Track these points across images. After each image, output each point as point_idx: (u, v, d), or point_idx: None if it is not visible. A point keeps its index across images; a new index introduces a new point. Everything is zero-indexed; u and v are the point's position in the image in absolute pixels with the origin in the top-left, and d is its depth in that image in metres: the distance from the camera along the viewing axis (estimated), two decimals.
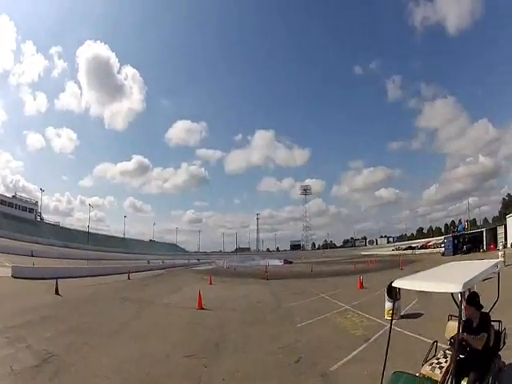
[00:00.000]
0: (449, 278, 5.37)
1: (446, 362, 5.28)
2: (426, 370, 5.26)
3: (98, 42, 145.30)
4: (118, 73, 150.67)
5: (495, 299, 6.60)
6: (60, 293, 20.65)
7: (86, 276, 33.45)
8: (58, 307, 16.80)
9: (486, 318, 5.74)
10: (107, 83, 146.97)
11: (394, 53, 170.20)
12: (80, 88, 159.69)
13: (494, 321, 6.05)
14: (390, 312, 12.51)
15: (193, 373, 8.08)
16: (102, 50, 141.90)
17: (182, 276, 42.82)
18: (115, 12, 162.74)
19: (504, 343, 6.06)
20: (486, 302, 5.98)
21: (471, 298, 5.68)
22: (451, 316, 6.55)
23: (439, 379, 4.92)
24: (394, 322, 11.65)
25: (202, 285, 27.70)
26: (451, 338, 5.72)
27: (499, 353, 5.90)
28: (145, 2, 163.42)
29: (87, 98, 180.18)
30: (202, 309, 16.49)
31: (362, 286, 21.94)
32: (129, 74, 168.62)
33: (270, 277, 34.46)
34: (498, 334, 5.97)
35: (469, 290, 5.65)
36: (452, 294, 5.69)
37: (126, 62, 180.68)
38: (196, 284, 28.88)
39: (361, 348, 9.46)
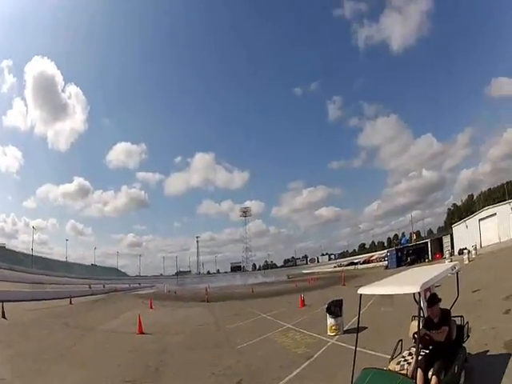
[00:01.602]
0: (408, 281, 6.02)
1: (411, 358, 5.64)
2: (393, 366, 5.66)
3: (45, 58, 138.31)
4: (63, 91, 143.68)
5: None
6: (6, 317, 20.72)
7: (30, 300, 33.42)
8: (6, 331, 17.09)
9: (446, 314, 6.18)
10: (52, 101, 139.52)
11: (336, 73, 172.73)
12: (26, 105, 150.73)
13: (456, 316, 6.60)
14: (333, 327, 12.51)
15: None
16: (49, 66, 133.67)
17: (122, 301, 41.44)
18: (63, 26, 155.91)
19: (468, 336, 6.60)
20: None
21: (431, 299, 6.15)
22: (414, 317, 6.87)
23: (408, 373, 5.18)
24: (337, 337, 11.78)
25: (142, 309, 27.14)
26: (414, 334, 5.92)
27: (464, 345, 6.41)
28: (91, 19, 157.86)
29: (32, 116, 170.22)
30: (143, 333, 16.20)
31: (303, 304, 21.77)
32: (72, 93, 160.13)
33: (210, 299, 33.75)
34: (461, 327, 6.49)
35: (429, 291, 6.38)
36: (413, 295, 6.09)
37: (71, 80, 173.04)
38: (137, 309, 27.76)
39: (303, 366, 9.20)
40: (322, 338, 12.32)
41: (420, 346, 5.35)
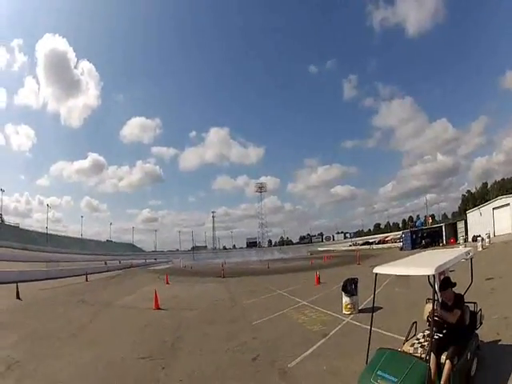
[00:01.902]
0: (423, 263, 6.00)
1: (425, 341, 5.62)
2: (407, 348, 5.61)
3: (57, 35, 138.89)
4: (75, 68, 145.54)
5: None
6: (21, 297, 20.60)
7: (45, 279, 33.48)
8: (20, 312, 16.85)
9: (459, 299, 6.11)
10: (64, 78, 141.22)
11: (351, 52, 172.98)
12: (38, 83, 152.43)
13: (469, 302, 6.51)
14: (348, 306, 12.50)
15: (150, 375, 7.84)
16: (60, 43, 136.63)
17: (138, 276, 42.17)
18: (74, 4, 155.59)
19: (481, 323, 6.56)
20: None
21: (444, 283, 6.04)
22: (428, 299, 6.71)
23: (422, 356, 5.14)
24: (352, 316, 11.79)
25: (158, 285, 27.56)
26: (428, 317, 5.96)
27: (476, 332, 6.37)
28: None
29: (45, 94, 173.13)
30: (159, 309, 16.30)
31: (318, 282, 21.89)
32: (85, 69, 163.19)
33: (226, 274, 34.17)
34: (474, 314, 6.43)
35: (443, 274, 6.17)
36: (428, 277, 6.06)
37: (83, 57, 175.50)
38: (153, 284, 28.36)
39: (319, 344, 9.23)
40: (337, 316, 12.35)
41: (434, 329, 5.37)
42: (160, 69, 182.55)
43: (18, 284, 22.27)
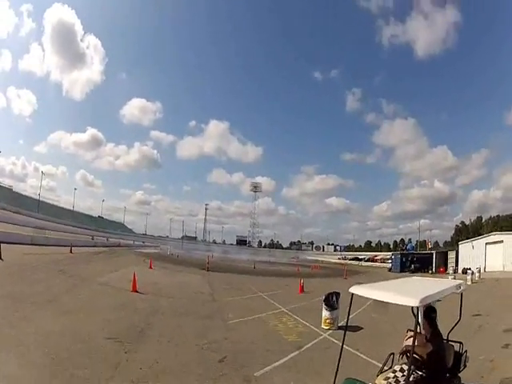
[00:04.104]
0: (407, 291, 5.08)
1: (402, 376, 5.02)
2: (380, 381, 5.02)
3: (66, 6, 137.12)
4: (81, 40, 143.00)
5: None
6: (2, 257, 20.92)
7: (30, 244, 33.89)
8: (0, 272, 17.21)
9: (436, 334, 5.45)
10: (69, 49, 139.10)
11: (357, 65, 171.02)
12: (43, 51, 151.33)
13: (454, 341, 5.90)
14: (328, 321, 12.08)
15: (112, 356, 7.64)
16: (69, 14, 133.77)
17: (123, 256, 42.07)
18: None
19: (465, 365, 5.79)
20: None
21: (426, 312, 5.45)
22: (409, 330, 6.00)
23: None
24: (330, 332, 11.38)
25: (141, 268, 27.36)
26: (405, 351, 5.24)
27: (459, 375, 5.67)
28: None
29: (49, 62, 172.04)
30: (137, 292, 16.09)
31: (302, 290, 21.54)
32: (91, 43, 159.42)
33: (211, 268, 33.71)
34: (459, 355, 5.74)
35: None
36: (412, 307, 5.36)
37: (90, 31, 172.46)
38: (136, 266, 27.62)
39: (291, 355, 8.80)
40: (315, 329, 11.92)
41: (412, 367, 4.71)
42: (167, 54, 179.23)
43: (4, 245, 22.16)
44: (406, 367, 5.11)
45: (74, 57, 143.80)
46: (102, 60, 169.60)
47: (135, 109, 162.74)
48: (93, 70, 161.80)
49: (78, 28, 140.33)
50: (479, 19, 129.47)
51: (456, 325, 6.25)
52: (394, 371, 5.17)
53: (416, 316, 4.93)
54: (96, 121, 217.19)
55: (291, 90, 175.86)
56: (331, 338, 10.72)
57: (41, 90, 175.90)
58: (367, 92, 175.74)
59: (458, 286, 5.72)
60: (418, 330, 5.42)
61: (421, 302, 4.11)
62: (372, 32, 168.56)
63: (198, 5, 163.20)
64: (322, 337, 10.98)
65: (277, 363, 8.11)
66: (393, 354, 5.50)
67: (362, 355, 8.83)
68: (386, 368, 5.38)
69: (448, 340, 5.85)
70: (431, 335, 5.38)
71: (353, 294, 4.94)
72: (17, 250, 26.03)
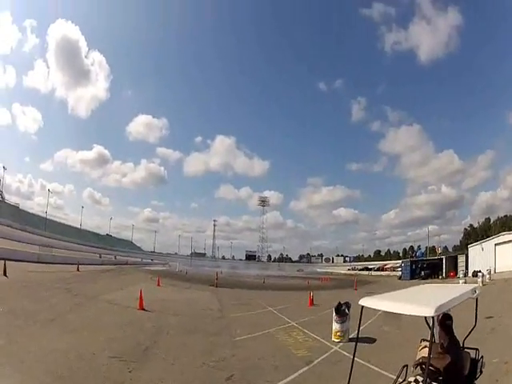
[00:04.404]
0: (420, 300, 4.73)
1: None
2: None
3: (70, 22, 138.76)
4: (86, 57, 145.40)
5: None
6: (7, 275, 20.69)
7: (36, 262, 33.70)
8: (2, 288, 17.02)
9: (453, 342, 5.21)
10: (74, 66, 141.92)
11: (361, 74, 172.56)
12: (48, 67, 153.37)
13: (471, 348, 5.50)
14: (338, 333, 11.75)
15: (115, 375, 7.45)
16: (73, 30, 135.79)
17: (131, 274, 41.85)
18: None
19: (481, 372, 5.42)
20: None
21: (442, 320, 5.16)
22: (423, 340, 5.74)
23: None
24: (341, 345, 11.04)
25: (149, 285, 27.38)
26: (420, 363, 4.98)
27: (475, 382, 5.30)
28: None
29: (54, 79, 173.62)
30: (143, 310, 15.85)
31: (312, 303, 21.18)
32: (96, 60, 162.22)
33: (219, 284, 33.35)
34: (475, 362, 5.36)
35: None
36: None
37: (95, 47, 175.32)
38: (143, 284, 27.79)
39: (301, 371, 8.48)
40: (325, 342, 11.60)
41: (428, 380, 4.43)
42: (172, 69, 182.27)
43: (9, 262, 22.14)
44: (420, 378, 4.82)
45: (78, 73, 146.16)
46: (107, 77, 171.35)
47: (141, 125, 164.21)
48: (98, 87, 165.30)
49: (83, 44, 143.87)
50: (481, 21, 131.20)
51: (472, 330, 5.95)
52: (409, 383, 4.89)
53: (432, 327, 4.41)
54: (102, 138, 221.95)
55: (296, 101, 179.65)
56: (342, 351, 10.38)
57: (46, 107, 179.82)
58: (371, 100, 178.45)
59: (474, 291, 5.43)
60: (434, 341, 5.12)
61: (436, 311, 3.82)
62: (374, 39, 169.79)
63: (202, 19, 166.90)
64: (332, 350, 10.63)
65: (286, 380, 7.82)
66: (406, 365, 5.13)
67: (373, 367, 8.52)
68: (400, 380, 5.03)
69: (464, 347, 5.54)
70: (448, 344, 5.11)
71: (362, 306, 4.66)
72: (22, 268, 25.95)
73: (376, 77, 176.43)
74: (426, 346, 5.41)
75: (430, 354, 4.14)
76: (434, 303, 3.95)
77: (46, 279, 23.30)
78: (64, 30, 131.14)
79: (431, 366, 4.59)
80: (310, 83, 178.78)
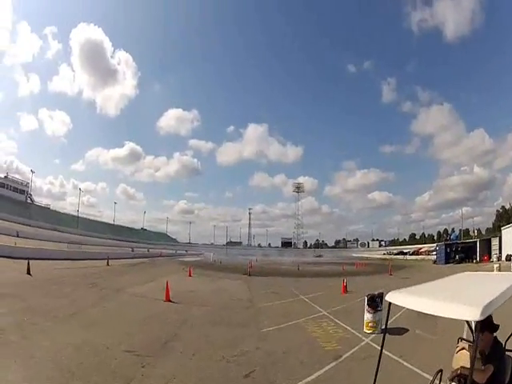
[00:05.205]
0: (461, 297, 3.57)
1: None
2: None
3: (92, 24, 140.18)
4: (112, 57, 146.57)
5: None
6: (31, 273, 20.46)
7: (64, 259, 32.95)
8: (25, 286, 16.66)
9: (497, 346, 4.30)
10: (100, 67, 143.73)
11: (389, 54, 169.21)
12: (73, 71, 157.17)
13: (509, 350, 4.55)
14: (370, 324, 11.04)
15: (126, 371, 7.18)
16: (96, 32, 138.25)
17: (163, 266, 41.88)
18: None
19: None
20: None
21: (486, 320, 3.72)
22: (461, 339, 4.90)
23: None
24: (372, 336, 10.30)
25: (179, 276, 27.41)
26: (456, 375, 4.15)
27: None
28: None
29: (80, 82, 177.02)
30: (170, 301, 15.64)
31: (345, 291, 20.52)
32: (122, 59, 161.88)
33: (252, 273, 33.08)
34: None
35: None
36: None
37: (120, 47, 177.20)
38: (175, 275, 27.90)
39: (328, 367, 7.83)
40: (356, 334, 10.91)
41: None
42: (198, 60, 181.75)
43: (35, 261, 22.40)
44: None
45: (105, 74, 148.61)
46: (135, 74, 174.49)
47: (172, 119, 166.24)
48: (126, 85, 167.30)
49: (107, 45, 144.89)
50: None
51: None
52: None
53: (477, 335, 3.48)
54: (133, 135, 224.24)
55: (327, 85, 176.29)
56: (373, 344, 9.58)
57: (74, 110, 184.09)
58: (401, 81, 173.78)
59: None
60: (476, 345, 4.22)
61: (482, 313, 2.75)
62: (400, 19, 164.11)
63: (226, 6, 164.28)
64: (363, 343, 9.89)
65: (310, 377, 7.20)
66: (441, 370, 4.28)
67: (405, 363, 7.81)
68: None
69: (506, 349, 4.57)
70: (492, 349, 4.23)
71: (390, 303, 3.79)
72: (48, 266, 25.99)
73: (403, 56, 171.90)
74: (463, 348, 4.57)
75: (472, 366, 3.28)
76: (480, 301, 2.92)
77: (72, 275, 23.30)
78: (87, 33, 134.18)
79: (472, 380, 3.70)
80: (340, 66, 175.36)
